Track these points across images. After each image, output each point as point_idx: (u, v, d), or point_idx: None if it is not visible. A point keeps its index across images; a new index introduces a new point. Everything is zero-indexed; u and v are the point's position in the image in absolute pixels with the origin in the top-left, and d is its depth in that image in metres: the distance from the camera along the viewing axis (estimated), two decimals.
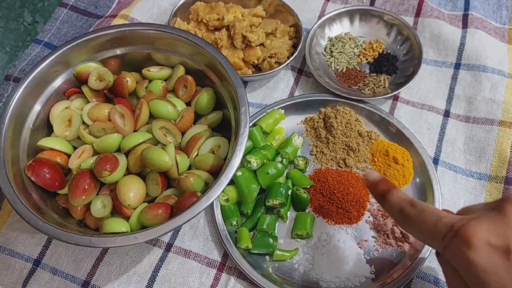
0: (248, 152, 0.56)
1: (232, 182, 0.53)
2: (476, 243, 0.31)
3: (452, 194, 0.56)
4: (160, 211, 0.46)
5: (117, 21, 0.68)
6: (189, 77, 0.55)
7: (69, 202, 0.48)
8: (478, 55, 0.63)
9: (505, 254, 0.30)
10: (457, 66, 0.64)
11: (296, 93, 0.64)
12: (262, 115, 0.60)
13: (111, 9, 0.72)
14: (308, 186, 0.56)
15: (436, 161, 0.58)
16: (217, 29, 0.66)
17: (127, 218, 0.47)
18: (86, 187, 0.48)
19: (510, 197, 0.34)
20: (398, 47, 0.66)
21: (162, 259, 0.53)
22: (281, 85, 0.65)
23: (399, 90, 0.60)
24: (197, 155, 0.52)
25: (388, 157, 0.58)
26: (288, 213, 0.55)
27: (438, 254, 0.40)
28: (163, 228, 0.42)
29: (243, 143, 0.47)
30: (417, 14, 0.68)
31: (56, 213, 0.48)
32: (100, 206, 0.47)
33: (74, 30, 0.70)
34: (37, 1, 0.74)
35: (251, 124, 0.59)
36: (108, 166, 0.47)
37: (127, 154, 0.50)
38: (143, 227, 0.47)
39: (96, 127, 0.51)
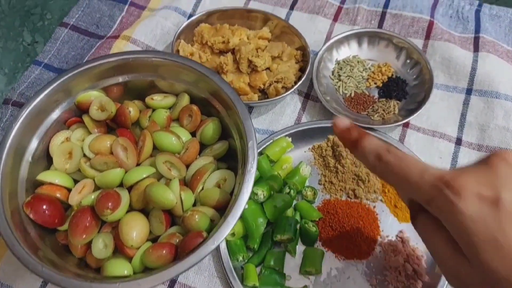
0: (254, 183, 0.54)
1: None
2: (465, 194, 0.30)
3: None
4: (164, 251, 0.44)
5: (119, 42, 0.66)
6: (194, 107, 0.53)
7: (69, 240, 0.47)
8: (491, 81, 0.61)
9: (494, 204, 0.30)
10: (469, 91, 0.62)
11: (303, 119, 0.62)
12: (268, 143, 0.58)
13: (113, 29, 0.70)
14: (317, 219, 0.54)
15: None
16: (222, 52, 0.64)
17: (129, 258, 0.45)
18: (87, 225, 0.46)
19: (498, 152, 0.33)
20: (408, 71, 0.64)
21: None
22: (288, 110, 0.63)
23: (410, 118, 0.58)
24: (202, 189, 0.50)
25: None
26: (297, 247, 0.53)
27: (413, 218, 0.37)
28: (167, 274, 0.40)
29: (250, 180, 0.45)
30: (427, 36, 0.67)
31: (55, 250, 0.46)
32: (101, 246, 0.45)
33: (75, 51, 0.68)
34: (37, 20, 0.72)
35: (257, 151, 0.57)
36: (110, 204, 0.45)
37: (129, 189, 0.48)
38: (147, 268, 0.45)
39: (98, 161, 0.49)
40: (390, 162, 0.35)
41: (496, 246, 0.29)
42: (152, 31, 0.67)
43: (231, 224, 0.43)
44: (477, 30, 0.67)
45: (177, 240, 0.46)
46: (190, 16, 0.71)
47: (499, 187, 0.30)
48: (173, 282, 0.51)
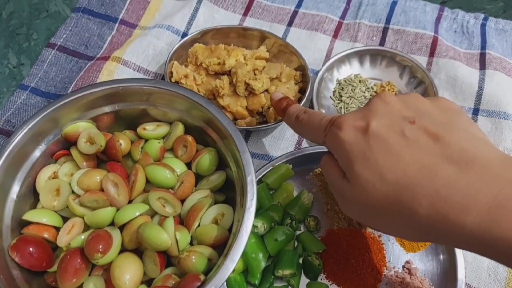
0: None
1: None
2: (345, 127, 0.39)
3: (475, 256, 0.52)
4: None
5: (109, 64, 0.63)
6: (189, 138, 0.50)
7: (58, 285, 0.44)
8: (498, 101, 0.58)
9: (365, 130, 0.38)
10: (476, 111, 0.59)
11: (304, 142, 0.60)
12: (268, 170, 0.55)
13: (102, 49, 0.67)
14: (320, 251, 0.52)
15: None
16: (218, 73, 0.61)
17: None
18: (77, 267, 0.43)
19: (380, 93, 0.42)
20: (412, 90, 0.61)
21: None
22: (288, 133, 0.60)
23: None
24: (199, 225, 0.47)
25: None
26: (300, 281, 0.51)
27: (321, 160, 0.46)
28: None
29: (249, 219, 0.42)
30: (431, 53, 0.64)
31: None
32: None
33: (63, 74, 0.65)
34: (23, 41, 0.68)
35: (256, 180, 0.55)
36: (100, 247, 0.42)
37: (121, 227, 0.45)
38: None
39: (87, 198, 0.46)
40: (303, 119, 0.46)
41: (364, 158, 0.37)
42: (144, 52, 0.64)
43: (230, 269, 0.40)
44: (483, 46, 0.64)
45: (173, 282, 0.43)
46: (184, 34, 0.68)
47: (370, 118, 0.38)
48: None
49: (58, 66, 0.65)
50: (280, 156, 0.57)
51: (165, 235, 0.43)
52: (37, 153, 0.49)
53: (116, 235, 0.44)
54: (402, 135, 0.36)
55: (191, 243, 0.47)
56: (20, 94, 0.63)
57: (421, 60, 0.64)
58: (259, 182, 0.55)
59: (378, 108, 0.39)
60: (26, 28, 0.70)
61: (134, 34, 0.69)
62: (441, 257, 0.51)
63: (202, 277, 0.42)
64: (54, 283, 0.45)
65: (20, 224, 0.46)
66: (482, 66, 0.62)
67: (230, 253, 0.41)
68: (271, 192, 0.55)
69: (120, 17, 0.70)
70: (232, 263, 0.40)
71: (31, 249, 0.44)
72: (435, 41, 0.64)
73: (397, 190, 0.35)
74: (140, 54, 0.64)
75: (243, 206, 0.43)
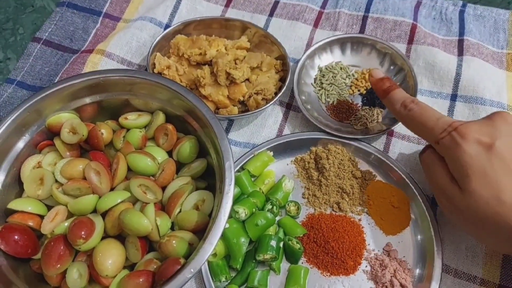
0: (236, 199, 0.53)
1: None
2: (468, 137, 0.40)
3: (454, 237, 0.53)
4: (141, 280, 0.43)
5: (93, 56, 0.64)
6: (170, 126, 0.51)
7: (43, 271, 0.45)
8: (475, 86, 0.59)
9: (489, 148, 0.39)
10: (454, 97, 0.60)
11: (285, 130, 0.61)
12: (249, 158, 0.57)
13: (87, 42, 0.68)
14: (301, 235, 0.53)
15: (435, 201, 0.55)
16: (199, 64, 0.62)
17: None
18: (61, 253, 0.44)
19: (500, 111, 0.43)
20: (392, 77, 0.62)
21: None
22: (269, 121, 0.61)
23: (394, 126, 0.56)
24: (180, 211, 0.48)
25: (384, 200, 0.55)
26: (281, 265, 0.52)
27: (421, 153, 0.49)
28: None
29: (228, 203, 0.43)
30: (410, 40, 0.65)
31: (29, 281, 0.45)
32: (76, 276, 0.44)
33: (49, 67, 0.66)
34: (9, 36, 0.69)
35: (238, 167, 0.56)
36: (83, 233, 0.43)
37: (104, 214, 0.47)
38: None
39: (70, 187, 0.47)
40: (413, 109, 0.46)
41: (484, 176, 0.39)
42: (127, 44, 0.65)
43: (208, 250, 0.41)
44: (461, 32, 0.65)
45: (155, 267, 0.45)
46: (167, 26, 0.68)
47: (495, 137, 0.40)
48: None
49: (44, 60, 0.66)
50: (262, 143, 0.58)
51: (146, 221, 0.44)
52: (21, 144, 0.50)
53: (98, 222, 0.46)
54: None
55: (172, 229, 0.48)
56: (7, 87, 0.64)
57: (400, 47, 0.64)
58: (241, 169, 0.56)
59: (502, 128, 0.40)
60: (12, 23, 0.70)
61: (118, 27, 0.70)
62: (419, 238, 0.53)
63: (182, 260, 0.43)
64: (39, 269, 0.47)
65: (5, 213, 0.48)
66: (460, 52, 0.63)
67: (209, 237, 0.42)
68: (252, 179, 0.56)
69: (104, 10, 0.71)
70: (210, 245, 0.42)
71: (16, 236, 0.45)
72: (413, 28, 0.65)
73: (510, 211, 0.37)
74: (123, 46, 0.65)
75: (222, 191, 0.44)
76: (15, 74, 0.65)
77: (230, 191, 0.44)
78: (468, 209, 0.40)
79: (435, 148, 0.45)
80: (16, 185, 0.50)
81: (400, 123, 0.56)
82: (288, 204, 0.55)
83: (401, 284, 0.50)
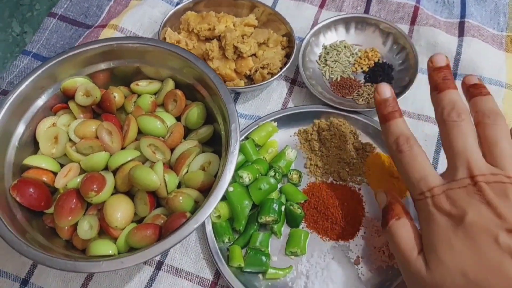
0: (240, 166, 0.55)
1: (224, 198, 0.52)
2: (440, 208, 0.39)
3: None
4: (148, 232, 0.45)
5: (106, 31, 0.66)
6: (179, 92, 0.53)
7: (55, 222, 0.47)
8: (475, 65, 0.61)
9: (459, 220, 0.37)
10: (454, 76, 0.62)
11: (290, 104, 0.63)
12: (254, 128, 0.59)
13: (101, 19, 0.71)
14: (302, 201, 0.55)
15: None
16: (208, 39, 0.64)
17: (114, 239, 0.46)
18: (73, 207, 0.46)
19: (484, 188, 0.38)
20: (394, 56, 0.64)
21: (152, 278, 0.51)
22: (274, 96, 0.63)
23: None
24: (187, 172, 0.50)
25: (383, 171, 0.56)
26: (282, 229, 0.54)
27: (385, 224, 0.45)
28: (149, 253, 0.41)
29: (233, 162, 0.46)
30: (413, 22, 0.67)
31: (42, 233, 0.47)
32: (86, 227, 0.46)
33: (64, 41, 0.69)
34: (26, 11, 0.72)
35: (243, 137, 0.58)
36: (94, 186, 0.46)
37: (114, 172, 0.49)
38: (131, 248, 0.46)
39: (83, 145, 0.49)
40: (404, 153, 0.42)
41: (449, 245, 0.37)
42: (139, 20, 0.68)
43: (213, 204, 0.43)
44: (463, 15, 0.67)
45: (162, 221, 0.47)
46: (177, 4, 0.71)
47: (466, 211, 0.37)
48: (160, 263, 0.52)
49: (59, 34, 0.69)
50: (266, 115, 0.60)
51: (155, 176, 0.46)
52: (37, 105, 0.52)
53: (109, 178, 0.48)
54: (495, 241, 0.35)
55: (179, 188, 0.50)
56: (23, 59, 0.66)
57: (403, 27, 0.66)
58: (246, 139, 0.58)
59: (477, 206, 0.37)
60: None
61: (130, 4, 0.72)
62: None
63: (188, 214, 0.45)
64: (51, 223, 0.49)
65: (21, 170, 0.50)
66: (461, 33, 0.65)
67: (214, 192, 0.44)
68: (257, 149, 0.58)
69: None
70: (215, 199, 0.44)
71: (30, 189, 0.47)
72: (416, 10, 0.67)
73: None
74: (136, 22, 0.67)
75: (227, 151, 0.47)
76: (31, 47, 0.68)
77: (235, 150, 0.46)
78: (433, 286, 0.37)
79: (414, 203, 0.43)
80: (32, 144, 0.52)
81: (401, 98, 0.58)
82: (290, 173, 0.57)
83: None
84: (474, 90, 0.43)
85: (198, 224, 0.42)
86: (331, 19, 0.65)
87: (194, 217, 0.43)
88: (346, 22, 0.66)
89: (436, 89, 0.44)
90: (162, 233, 0.45)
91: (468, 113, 0.41)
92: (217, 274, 0.51)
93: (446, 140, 0.42)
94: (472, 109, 0.43)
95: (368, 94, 0.61)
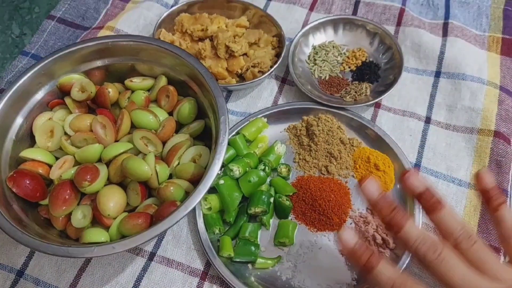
0: (231, 160, 0.57)
1: (214, 191, 0.54)
2: None
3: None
4: (140, 220, 0.46)
5: (103, 32, 0.69)
6: (171, 87, 0.55)
7: (50, 213, 0.49)
8: (458, 64, 0.63)
9: None
10: (437, 74, 0.64)
11: (280, 102, 0.65)
12: (245, 124, 0.61)
13: (98, 21, 0.73)
14: (291, 194, 0.56)
15: (417, 166, 0.58)
16: (201, 39, 0.66)
17: (107, 228, 0.47)
18: (67, 197, 0.48)
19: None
20: (380, 55, 0.67)
21: (144, 269, 0.53)
22: (265, 93, 0.65)
23: (380, 98, 0.60)
24: (178, 164, 0.52)
25: (369, 164, 0.58)
26: (271, 220, 0.55)
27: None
28: (140, 238, 0.42)
29: (222, 152, 0.47)
30: (398, 23, 0.69)
31: (37, 224, 0.48)
32: (80, 216, 0.48)
33: (61, 42, 0.71)
34: (25, 14, 0.75)
35: (234, 133, 0.60)
36: (88, 177, 0.47)
37: (108, 164, 0.50)
38: (123, 236, 0.47)
39: (78, 137, 0.51)
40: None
41: None
42: (135, 22, 0.70)
43: (202, 192, 0.45)
44: (447, 16, 0.69)
45: (153, 211, 0.48)
46: (172, 7, 0.73)
47: None
48: (152, 254, 0.53)
49: (57, 35, 0.71)
50: (257, 111, 0.62)
51: (146, 167, 0.48)
52: (34, 100, 0.54)
53: (102, 169, 0.49)
54: None
55: (170, 179, 0.52)
56: (22, 59, 0.69)
57: (389, 29, 0.69)
58: (237, 134, 0.60)
59: None
60: (28, 3, 0.76)
61: (126, 7, 0.75)
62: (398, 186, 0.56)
63: (178, 203, 0.47)
64: (46, 215, 0.50)
65: (17, 162, 0.52)
66: (445, 33, 0.67)
67: (203, 180, 0.46)
68: (247, 144, 0.60)
69: None
70: (204, 187, 0.45)
71: (26, 180, 0.49)
72: (401, 12, 0.70)
73: None
74: (131, 24, 0.70)
75: (216, 142, 0.48)
76: (30, 48, 0.70)
77: (224, 141, 0.48)
78: None
79: None
80: (28, 138, 0.54)
81: (386, 95, 0.60)
82: (279, 167, 0.59)
83: (382, 238, 0.53)
84: (426, 203, 0.39)
85: (188, 210, 0.44)
86: (320, 20, 0.68)
87: (184, 205, 0.44)
88: (335, 23, 0.68)
89: (367, 271, 0.37)
90: (153, 221, 0.47)
91: (440, 243, 0.36)
92: (208, 264, 0.53)
93: (443, 280, 0.36)
94: (437, 227, 0.38)
95: (356, 92, 0.63)
